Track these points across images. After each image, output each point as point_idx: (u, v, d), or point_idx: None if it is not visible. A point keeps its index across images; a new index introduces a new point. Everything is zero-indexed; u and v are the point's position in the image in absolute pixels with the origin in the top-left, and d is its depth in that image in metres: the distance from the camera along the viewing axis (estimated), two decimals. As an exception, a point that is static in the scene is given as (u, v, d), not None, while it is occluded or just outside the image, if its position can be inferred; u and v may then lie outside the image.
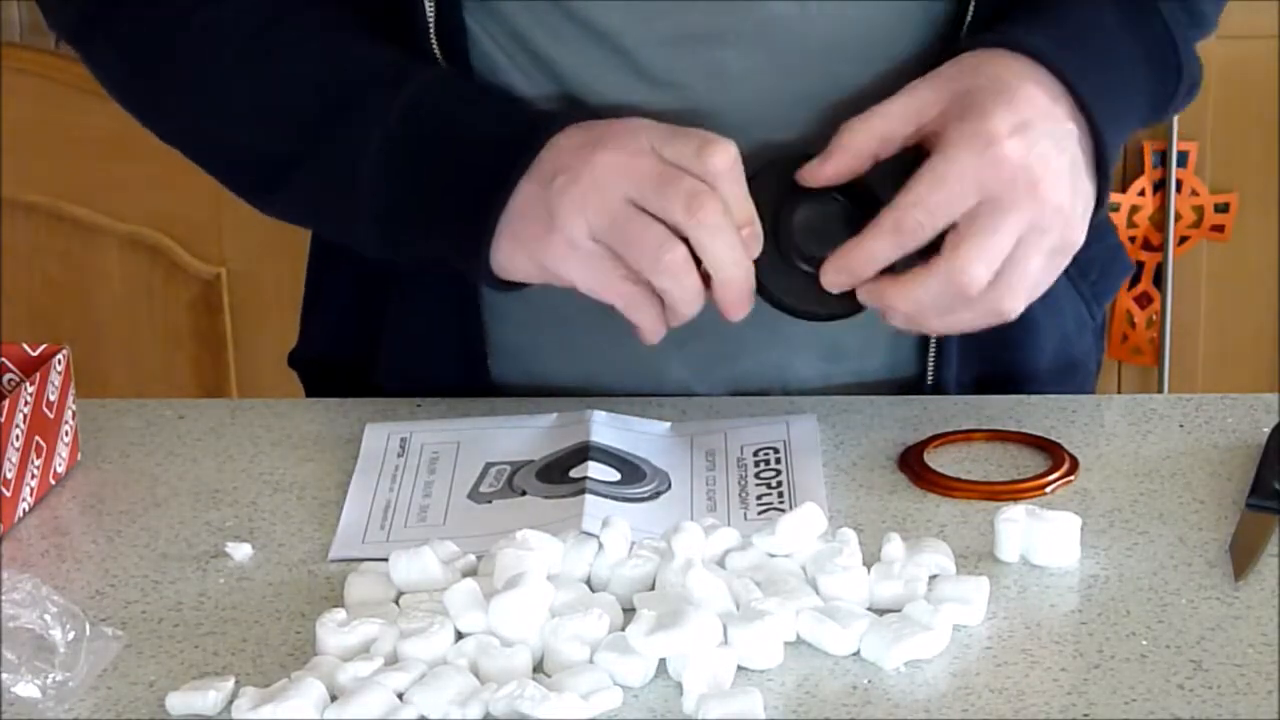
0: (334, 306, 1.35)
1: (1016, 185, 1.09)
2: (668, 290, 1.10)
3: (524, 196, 1.12)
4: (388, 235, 1.18)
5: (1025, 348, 1.29)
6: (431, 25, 1.19)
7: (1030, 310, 1.25)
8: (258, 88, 1.20)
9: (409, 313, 1.29)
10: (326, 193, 1.19)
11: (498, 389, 1.28)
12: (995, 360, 1.29)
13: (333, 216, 1.22)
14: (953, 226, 1.10)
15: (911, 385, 1.28)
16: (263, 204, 1.24)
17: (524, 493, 1.12)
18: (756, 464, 1.15)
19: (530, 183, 1.12)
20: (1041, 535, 1.03)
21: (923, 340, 1.27)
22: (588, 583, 1.01)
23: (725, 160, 1.09)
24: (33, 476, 1.12)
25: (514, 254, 1.13)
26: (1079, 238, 1.13)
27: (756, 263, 1.11)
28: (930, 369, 1.27)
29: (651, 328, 1.12)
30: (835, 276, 1.12)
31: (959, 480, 1.13)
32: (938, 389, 1.27)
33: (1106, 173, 1.15)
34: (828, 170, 1.13)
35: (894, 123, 1.13)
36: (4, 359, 1.17)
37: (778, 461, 1.15)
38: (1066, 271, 1.33)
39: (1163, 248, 2.54)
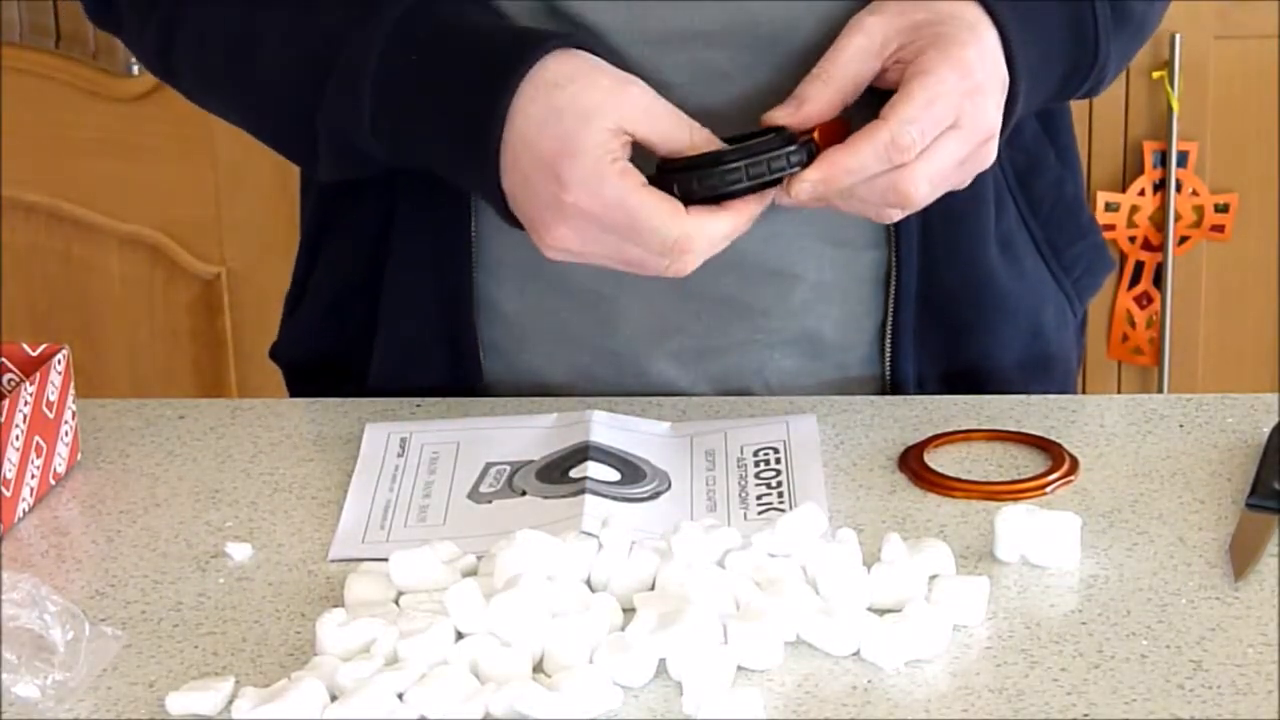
0: (322, 306, 1.35)
1: (979, 113, 1.13)
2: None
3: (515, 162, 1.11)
4: (397, 153, 1.17)
5: (991, 338, 1.29)
6: None
7: (996, 300, 1.25)
8: (251, 76, 1.21)
9: (401, 313, 1.29)
10: (343, 140, 1.18)
11: (489, 387, 1.28)
12: (956, 349, 1.29)
13: (357, 156, 1.20)
14: None
15: (882, 379, 1.28)
16: (318, 172, 1.24)
17: (524, 493, 1.12)
18: (756, 464, 1.15)
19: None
20: (1041, 535, 1.03)
21: (880, 330, 1.27)
22: (588, 583, 1.01)
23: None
24: (33, 476, 1.12)
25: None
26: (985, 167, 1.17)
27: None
28: (888, 358, 1.27)
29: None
30: (812, 188, 1.11)
31: (959, 480, 1.13)
32: (896, 378, 1.27)
33: (1007, 122, 1.18)
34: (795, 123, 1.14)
35: (859, 65, 1.14)
36: (4, 359, 1.17)
37: (778, 461, 1.15)
38: (1049, 267, 1.34)
39: (1163, 248, 2.53)
